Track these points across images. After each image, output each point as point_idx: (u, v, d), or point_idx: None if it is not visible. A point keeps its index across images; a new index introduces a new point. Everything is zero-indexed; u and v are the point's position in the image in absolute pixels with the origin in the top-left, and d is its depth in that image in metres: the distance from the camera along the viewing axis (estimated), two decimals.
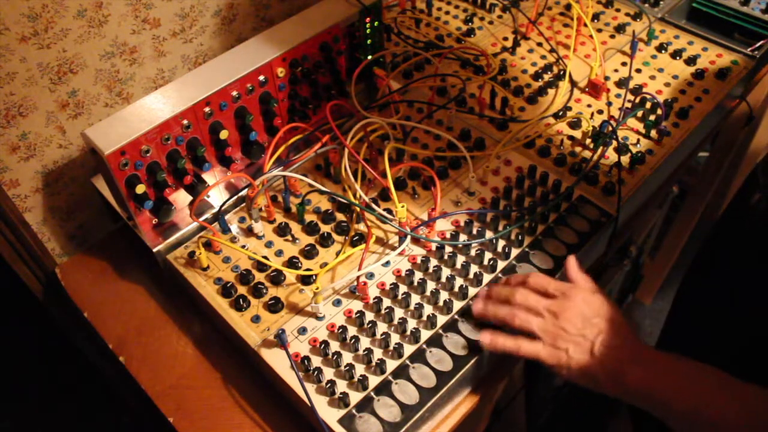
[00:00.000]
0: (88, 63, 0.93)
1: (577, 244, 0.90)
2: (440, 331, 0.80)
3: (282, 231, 0.92)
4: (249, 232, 0.93)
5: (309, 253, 0.89)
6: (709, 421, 0.66)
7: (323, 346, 0.79)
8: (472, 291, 0.84)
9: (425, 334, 0.80)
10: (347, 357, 0.78)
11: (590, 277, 0.80)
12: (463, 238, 0.90)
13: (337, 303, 0.84)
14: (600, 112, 1.09)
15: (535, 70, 1.15)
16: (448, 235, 0.91)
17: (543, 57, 1.19)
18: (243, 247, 0.91)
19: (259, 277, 0.88)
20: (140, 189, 0.84)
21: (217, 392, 0.85)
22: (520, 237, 0.90)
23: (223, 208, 0.93)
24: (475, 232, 0.90)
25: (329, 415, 0.74)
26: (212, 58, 1.07)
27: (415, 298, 0.84)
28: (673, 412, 0.68)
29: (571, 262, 0.82)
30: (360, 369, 0.77)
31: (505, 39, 1.23)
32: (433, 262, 0.87)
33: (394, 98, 1.07)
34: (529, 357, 0.76)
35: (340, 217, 0.94)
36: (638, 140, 1.04)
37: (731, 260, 0.86)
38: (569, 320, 0.74)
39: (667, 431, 0.71)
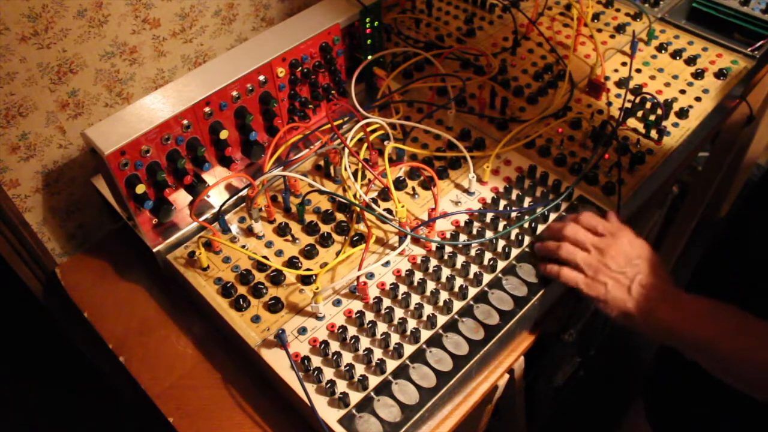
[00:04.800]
0: (88, 63, 0.93)
1: None
2: (440, 331, 0.80)
3: (282, 231, 0.92)
4: (249, 232, 0.93)
5: (309, 253, 0.89)
6: (722, 353, 0.70)
7: (323, 346, 0.79)
8: (472, 291, 0.84)
9: (425, 334, 0.80)
10: (347, 357, 0.78)
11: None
12: (463, 238, 0.90)
13: (337, 303, 0.84)
14: (600, 112, 1.09)
15: (535, 70, 1.15)
16: (448, 235, 0.91)
17: (543, 57, 1.19)
18: (243, 247, 0.91)
19: (259, 277, 0.88)
20: (140, 189, 0.85)
21: (217, 392, 0.85)
22: (520, 237, 0.90)
23: (223, 208, 0.93)
24: (475, 232, 0.90)
25: (329, 415, 0.74)
26: (212, 58, 1.07)
27: (415, 298, 0.84)
28: (691, 345, 0.73)
29: (612, 216, 0.88)
30: (360, 369, 0.77)
31: (505, 39, 1.23)
32: (433, 262, 0.87)
33: (394, 98, 1.07)
34: (568, 283, 0.82)
35: (340, 217, 0.94)
36: (638, 140, 1.04)
37: (747, 257, 0.85)
38: (613, 258, 0.80)
39: None
